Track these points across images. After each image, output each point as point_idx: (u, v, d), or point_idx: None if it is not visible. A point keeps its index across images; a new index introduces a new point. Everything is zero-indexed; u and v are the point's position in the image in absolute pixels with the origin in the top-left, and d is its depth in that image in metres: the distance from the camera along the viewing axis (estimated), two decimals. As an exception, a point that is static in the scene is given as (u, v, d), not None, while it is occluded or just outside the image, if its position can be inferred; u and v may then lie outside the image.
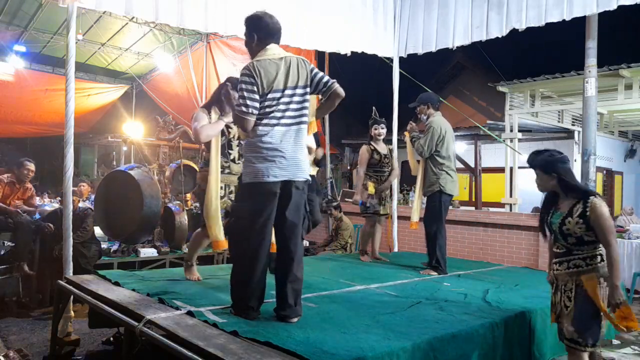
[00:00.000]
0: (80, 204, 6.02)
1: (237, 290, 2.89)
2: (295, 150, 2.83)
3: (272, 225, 2.87)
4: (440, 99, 5.09)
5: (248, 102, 2.75)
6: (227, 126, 3.77)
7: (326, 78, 2.95)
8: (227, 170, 3.80)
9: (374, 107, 5.40)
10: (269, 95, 2.79)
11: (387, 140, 5.57)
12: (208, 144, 3.67)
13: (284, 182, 2.80)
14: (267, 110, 2.80)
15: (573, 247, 2.76)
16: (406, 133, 4.96)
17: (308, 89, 2.89)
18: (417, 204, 4.68)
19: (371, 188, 5.19)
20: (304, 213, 2.92)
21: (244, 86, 2.78)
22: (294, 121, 2.85)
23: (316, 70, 2.96)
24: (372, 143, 5.27)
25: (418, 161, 4.93)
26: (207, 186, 3.60)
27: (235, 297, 2.90)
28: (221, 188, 3.71)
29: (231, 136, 3.84)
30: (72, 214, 4.07)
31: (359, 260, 5.37)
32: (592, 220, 2.67)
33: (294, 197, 2.81)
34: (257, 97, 2.77)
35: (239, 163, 3.85)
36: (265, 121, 2.80)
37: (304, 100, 2.88)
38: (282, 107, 2.81)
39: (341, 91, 2.95)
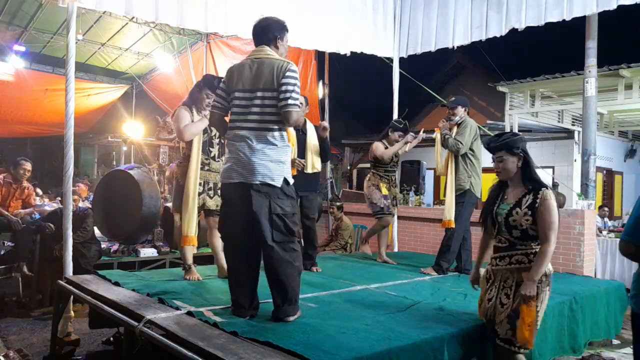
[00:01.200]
0: (80, 204, 6.03)
1: (230, 289, 2.94)
2: (253, 154, 2.73)
3: (251, 226, 2.77)
4: (440, 99, 5.09)
5: (215, 97, 3.02)
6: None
7: (287, 95, 2.68)
8: (207, 167, 3.83)
9: (406, 111, 5.30)
10: (233, 95, 2.85)
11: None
12: (190, 140, 3.73)
13: (241, 184, 2.75)
14: (232, 110, 2.88)
15: (517, 241, 2.66)
16: (437, 130, 4.87)
17: (275, 94, 2.73)
18: (451, 201, 4.58)
19: (384, 189, 5.14)
20: (270, 217, 2.71)
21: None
22: (253, 125, 2.76)
23: (290, 80, 2.71)
24: (385, 142, 5.20)
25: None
26: (186, 181, 3.67)
27: (230, 295, 2.94)
28: (200, 184, 3.75)
29: (212, 134, 3.87)
30: (72, 214, 4.07)
31: (359, 260, 5.37)
32: (538, 212, 2.58)
33: (254, 200, 2.72)
34: (222, 94, 2.93)
35: (219, 161, 3.90)
36: (231, 124, 2.88)
37: (270, 105, 2.74)
38: (243, 109, 2.82)
39: (291, 117, 2.69)
